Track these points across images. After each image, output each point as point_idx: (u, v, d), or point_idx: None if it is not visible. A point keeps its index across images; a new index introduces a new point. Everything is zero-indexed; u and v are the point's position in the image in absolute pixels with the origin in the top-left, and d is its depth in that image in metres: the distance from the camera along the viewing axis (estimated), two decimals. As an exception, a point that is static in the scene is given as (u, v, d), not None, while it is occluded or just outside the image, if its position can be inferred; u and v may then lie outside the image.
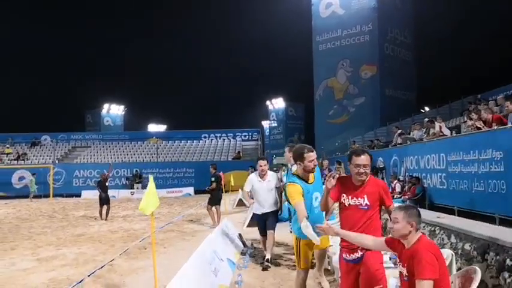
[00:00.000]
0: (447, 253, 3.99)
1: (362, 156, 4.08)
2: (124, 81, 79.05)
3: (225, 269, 6.60)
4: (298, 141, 59.97)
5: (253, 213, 8.54)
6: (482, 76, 42.24)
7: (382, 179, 16.03)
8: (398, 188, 13.79)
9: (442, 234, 6.86)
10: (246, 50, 78.80)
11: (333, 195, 4.19)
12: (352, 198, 4.08)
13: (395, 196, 13.30)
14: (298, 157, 5.00)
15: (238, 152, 36.06)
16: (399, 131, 17.54)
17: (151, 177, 5.55)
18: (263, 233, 8.04)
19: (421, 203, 11.63)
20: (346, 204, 4.09)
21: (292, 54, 65.95)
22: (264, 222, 8.00)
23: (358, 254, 4.01)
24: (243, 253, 8.62)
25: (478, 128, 10.29)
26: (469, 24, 50.62)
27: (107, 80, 75.35)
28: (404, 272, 3.49)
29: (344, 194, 4.12)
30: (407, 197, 12.36)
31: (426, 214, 8.49)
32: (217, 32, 75.93)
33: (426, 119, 15.48)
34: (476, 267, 3.49)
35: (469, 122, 12.01)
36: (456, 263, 5.42)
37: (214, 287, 5.54)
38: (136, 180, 31.86)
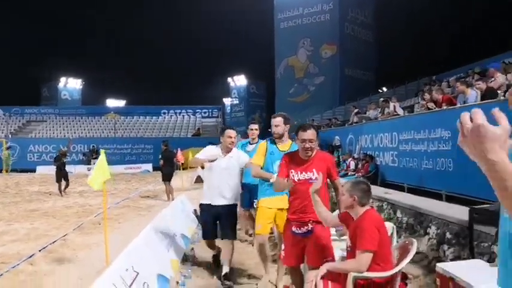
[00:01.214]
0: (388, 226, 4.17)
1: (308, 131, 4.12)
2: (82, 54, 76.75)
3: (177, 243, 6.65)
4: (260, 119, 60.16)
5: (201, 204, 5.95)
6: (440, 58, 43.27)
7: (338, 156, 16.38)
8: (352, 166, 14.12)
9: (389, 209, 7.13)
10: (207, 26, 77.67)
11: (281, 174, 4.25)
12: (301, 173, 4.17)
13: (349, 173, 13.64)
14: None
15: (198, 128, 35.91)
16: (356, 110, 17.87)
17: (102, 151, 5.50)
18: (210, 238, 5.91)
19: (374, 180, 11.96)
20: (296, 180, 4.16)
21: (254, 32, 65.53)
22: (213, 221, 5.77)
23: (309, 227, 4.11)
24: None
25: (429, 109, 10.62)
26: (428, 7, 51.53)
27: (64, 53, 72.96)
28: (349, 243, 3.68)
29: (292, 170, 4.19)
30: (360, 174, 12.68)
31: (376, 190, 8.78)
32: (178, 6, 74.39)
33: (381, 99, 15.83)
34: (413, 239, 3.68)
35: (422, 102, 12.37)
36: (400, 237, 5.67)
37: (166, 261, 5.58)
38: (93, 155, 31.28)
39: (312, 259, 4.09)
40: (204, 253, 6.60)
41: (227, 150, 5.75)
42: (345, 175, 13.56)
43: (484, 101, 8.05)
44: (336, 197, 4.36)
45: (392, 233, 4.05)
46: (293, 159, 4.26)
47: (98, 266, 5.82)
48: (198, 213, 9.19)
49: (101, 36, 79.38)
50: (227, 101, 70.98)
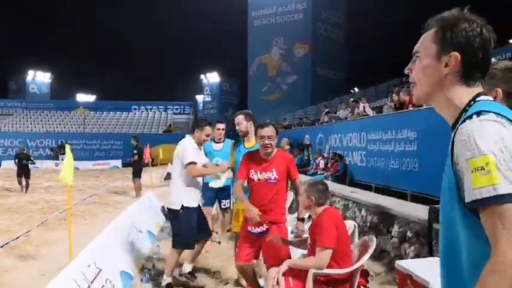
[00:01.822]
0: (350, 224, 4.24)
1: (266, 128, 4.15)
2: (52, 47, 75.21)
3: (143, 240, 6.61)
4: (232, 116, 60.02)
5: (181, 208, 4.99)
6: (410, 59, 43.95)
7: (308, 156, 16.52)
8: (322, 165, 14.25)
9: (354, 208, 7.24)
10: (181, 22, 77.18)
11: (240, 176, 4.26)
12: (260, 172, 4.16)
13: (318, 172, 13.77)
14: None
15: (170, 125, 35.66)
16: (326, 110, 18.05)
17: (68, 147, 5.42)
18: (188, 247, 5.17)
19: (343, 179, 12.13)
20: (255, 180, 4.17)
21: (228, 29, 65.46)
22: (200, 222, 5.18)
23: (264, 227, 4.09)
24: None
25: (396, 109, 10.81)
26: (399, 8, 52.38)
27: (33, 46, 71.34)
28: (309, 240, 3.75)
29: (252, 170, 4.19)
30: (329, 173, 12.82)
31: (342, 189, 8.90)
32: (152, 2, 73.70)
33: (352, 99, 16.02)
34: (373, 237, 3.75)
35: (390, 104, 12.58)
36: (364, 235, 5.77)
37: (130, 258, 5.55)
38: (61, 151, 30.74)
39: (268, 259, 4.10)
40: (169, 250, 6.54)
41: (200, 146, 5.36)
42: (315, 174, 13.69)
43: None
44: (295, 197, 4.45)
45: (353, 231, 4.12)
46: (253, 159, 4.25)
47: (61, 262, 5.70)
48: (166, 211, 9.17)
49: (72, 30, 77.95)
50: (199, 97, 70.67)
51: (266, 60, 44.97)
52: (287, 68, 43.89)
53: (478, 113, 1.27)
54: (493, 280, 1.13)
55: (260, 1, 45.05)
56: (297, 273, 3.64)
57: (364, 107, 13.80)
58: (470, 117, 1.28)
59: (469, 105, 1.38)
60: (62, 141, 31.44)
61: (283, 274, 3.61)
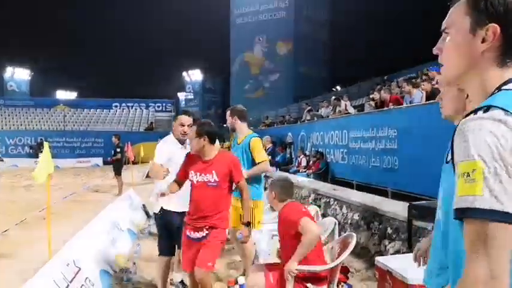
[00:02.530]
0: (330, 221, 4.27)
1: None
2: (32, 44, 74.06)
3: (124, 238, 6.56)
4: (215, 114, 59.95)
5: (160, 211, 4.60)
6: (393, 58, 44.39)
7: (291, 153, 16.56)
8: (304, 163, 14.31)
9: (335, 205, 7.28)
10: (164, 19, 76.64)
11: (179, 173, 4.09)
12: (200, 174, 3.94)
13: (300, 170, 13.83)
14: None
15: (151, 123, 35.43)
16: (308, 108, 18.11)
17: (46, 144, 5.34)
18: (168, 253, 4.68)
19: (324, 176, 12.19)
20: (195, 182, 3.97)
21: (211, 27, 65.26)
22: (177, 230, 4.39)
23: (203, 233, 3.90)
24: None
25: (376, 108, 10.91)
26: (382, 7, 52.79)
27: (12, 42, 70.15)
28: (279, 238, 3.81)
29: (192, 171, 3.98)
30: (311, 171, 12.88)
31: (324, 187, 8.95)
32: (134, -2, 73.19)
33: (333, 97, 16.10)
34: (353, 234, 3.78)
35: (371, 102, 12.68)
36: (345, 232, 5.81)
37: (111, 256, 5.50)
38: (41, 149, 30.28)
39: (196, 262, 3.88)
40: (150, 249, 6.52)
41: (182, 141, 4.68)
42: (297, 172, 13.73)
43: (428, 102, 8.33)
44: (241, 198, 4.18)
45: (333, 228, 4.15)
46: (194, 159, 4.03)
47: (40, 261, 5.63)
48: (147, 209, 9.12)
49: (53, 27, 76.86)
50: (181, 95, 70.26)
51: (249, 58, 44.97)
52: (270, 66, 43.94)
53: (487, 108, 1.09)
54: None
55: (243, -1, 45.05)
56: (278, 270, 3.66)
57: (345, 105, 13.88)
58: (476, 111, 1.11)
59: (493, 93, 1.19)
60: (41, 139, 31.01)
61: (270, 270, 3.65)
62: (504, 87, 1.18)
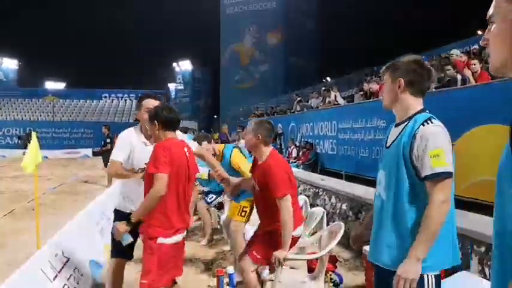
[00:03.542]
0: (319, 211, 4.30)
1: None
2: (19, 33, 73.10)
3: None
4: (205, 105, 59.77)
5: (117, 212, 3.99)
6: (383, 48, 44.44)
7: (280, 144, 16.58)
8: (294, 153, 14.35)
9: (324, 196, 7.32)
10: (153, 9, 76.06)
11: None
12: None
13: (290, 161, 13.86)
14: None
15: (141, 113, 35.30)
16: (298, 99, 18.12)
17: (34, 134, 5.31)
18: (125, 255, 3.97)
19: (314, 167, 12.24)
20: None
21: (200, 16, 64.78)
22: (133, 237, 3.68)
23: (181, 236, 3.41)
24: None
25: (366, 98, 10.95)
26: (371, -1, 52.81)
27: (-1, 31, 69.18)
28: (256, 185, 3.71)
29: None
30: (301, 161, 12.92)
31: (312, 177, 8.99)
32: (123, -13, 72.37)
33: (323, 88, 16.12)
34: (341, 223, 3.81)
35: (360, 93, 12.73)
36: (334, 221, 5.85)
37: (99, 246, 5.50)
38: (29, 139, 30.01)
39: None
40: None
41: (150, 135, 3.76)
42: (287, 162, 13.77)
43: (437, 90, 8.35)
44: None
45: (321, 218, 4.17)
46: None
47: (28, 252, 5.62)
48: None
49: (41, 16, 75.91)
50: (172, 86, 69.80)
51: (239, 48, 44.79)
52: (260, 57, 43.83)
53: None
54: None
55: (233, -11, 44.77)
56: (259, 245, 3.66)
57: (335, 96, 13.91)
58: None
59: None
60: (30, 130, 30.75)
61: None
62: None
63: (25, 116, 35.01)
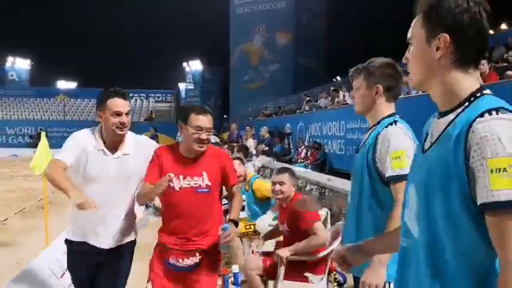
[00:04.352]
0: (322, 211, 4.33)
1: (207, 116, 2.88)
2: (32, 33, 73.78)
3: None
4: (215, 105, 59.82)
5: (68, 242, 3.15)
6: (392, 48, 44.17)
7: (289, 144, 16.60)
8: (303, 154, 14.37)
9: (330, 195, 7.35)
10: (163, 9, 76.34)
11: (150, 178, 2.89)
12: (185, 177, 2.90)
13: (299, 160, 13.89)
14: None
15: (151, 112, 35.46)
16: (307, 99, 18.13)
17: (43, 134, 5.40)
18: None
19: (322, 167, 12.25)
20: (177, 188, 2.87)
21: (210, 17, 64.97)
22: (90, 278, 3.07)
23: (196, 259, 2.93)
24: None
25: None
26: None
27: (12, 32, 69.89)
28: (286, 228, 3.81)
29: (171, 173, 2.82)
30: (309, 161, 12.94)
31: (319, 177, 9.02)
32: (134, -13, 72.80)
33: (332, 88, 16.13)
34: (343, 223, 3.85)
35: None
36: (340, 221, 5.87)
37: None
38: (40, 139, 30.35)
39: None
40: (146, 240, 6.59)
41: (113, 141, 3.02)
42: (295, 162, 13.80)
43: (424, 93, 8.34)
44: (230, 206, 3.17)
45: (325, 217, 4.21)
46: (171, 157, 2.96)
47: (37, 250, 5.72)
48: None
49: (53, 16, 76.60)
50: (182, 85, 70.02)
51: (248, 48, 44.74)
52: (269, 57, 43.73)
53: (497, 110, 1.21)
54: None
55: (242, -11, 44.73)
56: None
57: (344, 95, 13.91)
58: (488, 112, 1.21)
59: (473, 96, 1.32)
60: (41, 129, 31.07)
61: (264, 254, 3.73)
62: (485, 92, 1.33)
63: (37, 115, 35.40)
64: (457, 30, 1.32)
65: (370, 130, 2.30)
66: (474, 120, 1.21)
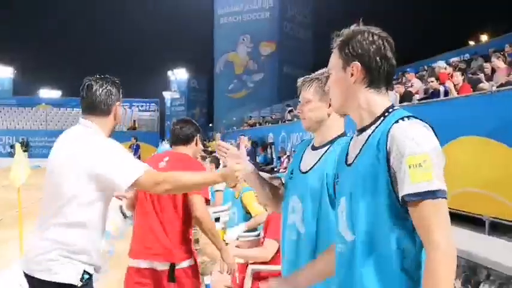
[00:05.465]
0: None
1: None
2: (15, 41, 73.10)
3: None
4: (200, 114, 59.79)
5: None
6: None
7: (271, 154, 16.69)
8: (285, 163, 14.42)
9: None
10: (148, 18, 76.28)
11: None
12: None
13: (280, 170, 13.92)
14: None
15: (134, 121, 35.28)
16: (289, 109, 18.26)
17: (17, 145, 5.38)
18: None
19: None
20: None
21: (195, 26, 65.05)
22: None
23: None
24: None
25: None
26: (368, 7, 53.18)
27: (-7, 39, 69.15)
28: (262, 235, 3.84)
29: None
30: (290, 171, 12.98)
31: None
32: (119, -4, 72.66)
33: (314, 98, 16.23)
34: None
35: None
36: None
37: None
38: (22, 149, 29.96)
39: None
40: (123, 250, 6.57)
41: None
42: (277, 171, 13.84)
43: (401, 104, 8.49)
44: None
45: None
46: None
47: (11, 262, 5.69)
48: (124, 210, 9.11)
49: (37, 24, 76.04)
50: (167, 94, 69.74)
51: (233, 58, 44.87)
52: (254, 66, 43.88)
53: (408, 117, 1.47)
54: (441, 268, 1.30)
55: (227, -2, 44.90)
56: (243, 269, 3.75)
57: (325, 105, 14.00)
58: (401, 119, 1.46)
59: (387, 111, 1.57)
60: (23, 139, 30.73)
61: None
62: (395, 108, 1.59)
63: (18, 124, 34.99)
64: (366, 58, 1.58)
65: (324, 151, 2.14)
66: (391, 127, 1.45)
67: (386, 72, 1.61)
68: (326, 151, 2.11)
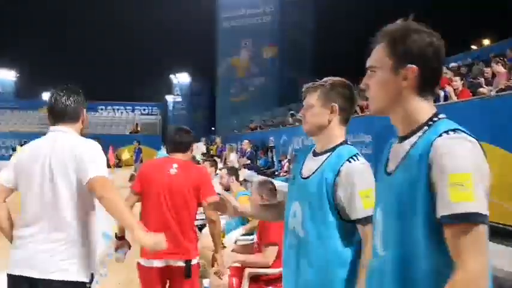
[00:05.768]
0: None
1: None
2: (18, 45, 73.34)
3: (98, 240, 6.59)
4: (202, 117, 59.95)
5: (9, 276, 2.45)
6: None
7: (272, 158, 16.69)
8: (286, 167, 14.43)
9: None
10: (151, 22, 76.46)
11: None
12: None
13: (281, 174, 13.95)
14: None
15: (137, 124, 35.33)
16: (291, 112, 18.29)
17: (18, 148, 5.40)
18: None
19: (303, 181, 12.30)
20: None
21: (197, 30, 65.26)
22: None
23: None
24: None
25: (355, 112, 11.07)
26: (367, 11, 53.25)
27: (-4, 42, 69.41)
28: (257, 240, 3.88)
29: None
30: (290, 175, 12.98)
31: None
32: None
33: (315, 102, 16.25)
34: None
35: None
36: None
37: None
38: (24, 151, 30.07)
39: None
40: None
41: None
42: (277, 175, 13.87)
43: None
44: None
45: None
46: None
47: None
48: None
49: (39, 27, 76.33)
50: (170, 98, 69.92)
51: (235, 62, 44.94)
52: (255, 70, 43.96)
53: (454, 130, 1.34)
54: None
55: (229, 3, 44.90)
56: (239, 272, 3.77)
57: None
58: (446, 132, 1.34)
59: (431, 120, 1.44)
60: (25, 142, 30.77)
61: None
62: (440, 116, 1.45)
63: (21, 127, 35.07)
64: (423, 62, 1.42)
65: (325, 158, 2.15)
66: (434, 140, 1.33)
67: (438, 78, 1.50)
68: (327, 158, 2.12)
